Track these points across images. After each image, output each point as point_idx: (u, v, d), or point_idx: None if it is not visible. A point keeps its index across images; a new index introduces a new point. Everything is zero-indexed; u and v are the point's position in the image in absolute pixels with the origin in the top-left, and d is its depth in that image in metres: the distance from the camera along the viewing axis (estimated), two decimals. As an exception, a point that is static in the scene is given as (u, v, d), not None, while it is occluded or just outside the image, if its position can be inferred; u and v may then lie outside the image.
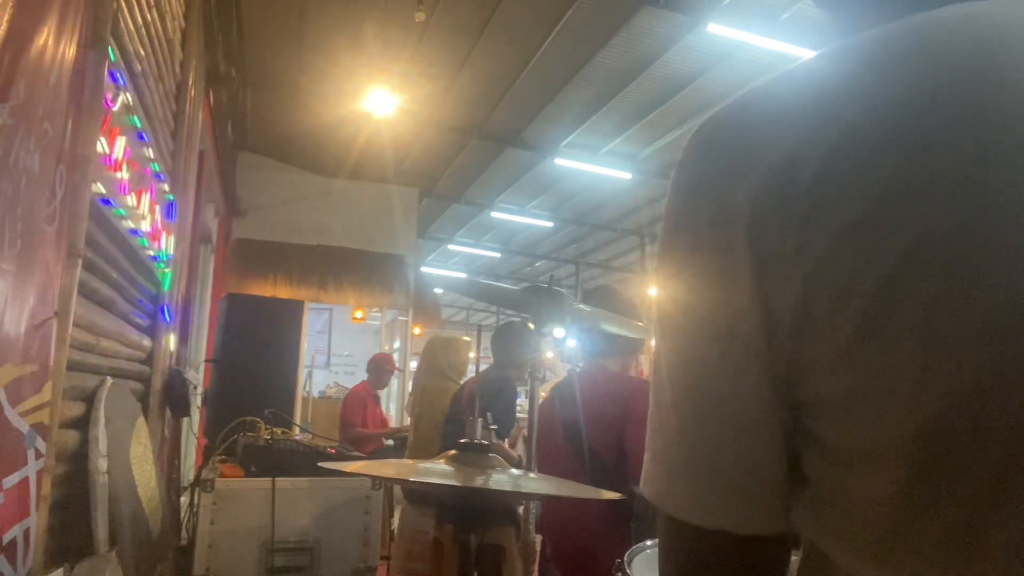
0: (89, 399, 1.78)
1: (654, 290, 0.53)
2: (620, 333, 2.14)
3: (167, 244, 2.71)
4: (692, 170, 0.51)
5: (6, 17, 1.07)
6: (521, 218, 10.02)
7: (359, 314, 8.94)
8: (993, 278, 0.38)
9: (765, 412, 0.46)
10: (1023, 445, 0.38)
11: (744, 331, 0.45)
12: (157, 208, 2.42)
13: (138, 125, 2.06)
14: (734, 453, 0.47)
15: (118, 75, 1.77)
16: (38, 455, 1.30)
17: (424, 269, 11.76)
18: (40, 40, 1.21)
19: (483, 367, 2.82)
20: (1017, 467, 0.38)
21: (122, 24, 1.89)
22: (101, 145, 1.69)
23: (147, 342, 2.62)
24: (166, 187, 2.58)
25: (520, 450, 2.93)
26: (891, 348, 0.40)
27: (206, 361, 4.59)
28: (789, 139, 0.44)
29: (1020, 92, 0.41)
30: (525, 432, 2.05)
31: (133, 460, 1.97)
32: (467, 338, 3.45)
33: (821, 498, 0.45)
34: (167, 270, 2.79)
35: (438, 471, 1.43)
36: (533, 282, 2.03)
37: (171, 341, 2.96)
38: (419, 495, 2.78)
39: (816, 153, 0.43)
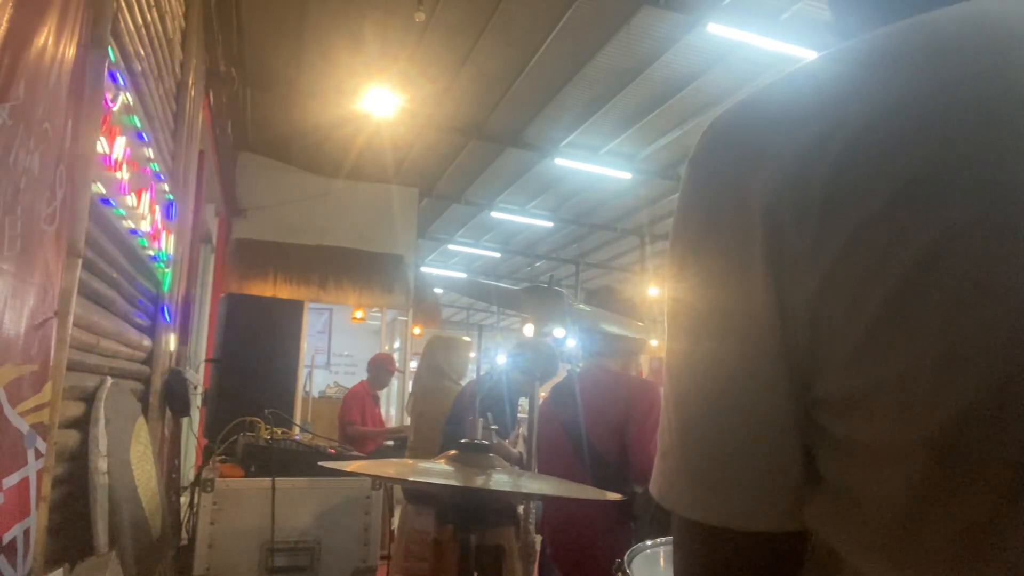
0: (89, 399, 1.78)
1: (661, 288, 0.52)
2: (621, 333, 2.14)
3: (167, 244, 2.71)
4: (706, 166, 0.50)
5: (6, 17, 1.07)
6: (521, 218, 10.02)
7: (359, 314, 8.94)
8: (1018, 275, 0.38)
9: (781, 408, 0.45)
10: None
11: (759, 327, 0.45)
12: (157, 208, 2.42)
13: (138, 125, 2.06)
14: (748, 450, 0.46)
15: (118, 75, 1.77)
16: (38, 455, 1.30)
17: (424, 269, 11.76)
18: (40, 40, 1.21)
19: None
20: None
21: (122, 24, 1.89)
22: (101, 145, 1.69)
23: (147, 342, 2.62)
24: (166, 187, 2.58)
25: (521, 448, 2.93)
26: (912, 346, 0.39)
27: (206, 361, 4.59)
28: (805, 135, 0.44)
29: None
30: (525, 432, 2.05)
31: (133, 460, 1.97)
32: (467, 338, 3.45)
33: (835, 495, 0.45)
34: (167, 270, 2.79)
35: (438, 471, 1.43)
36: (533, 282, 2.03)
37: (171, 341, 2.96)
38: (419, 495, 2.78)
39: (832, 149, 0.42)
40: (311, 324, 8.49)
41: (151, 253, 2.47)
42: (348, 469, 1.58)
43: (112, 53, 1.72)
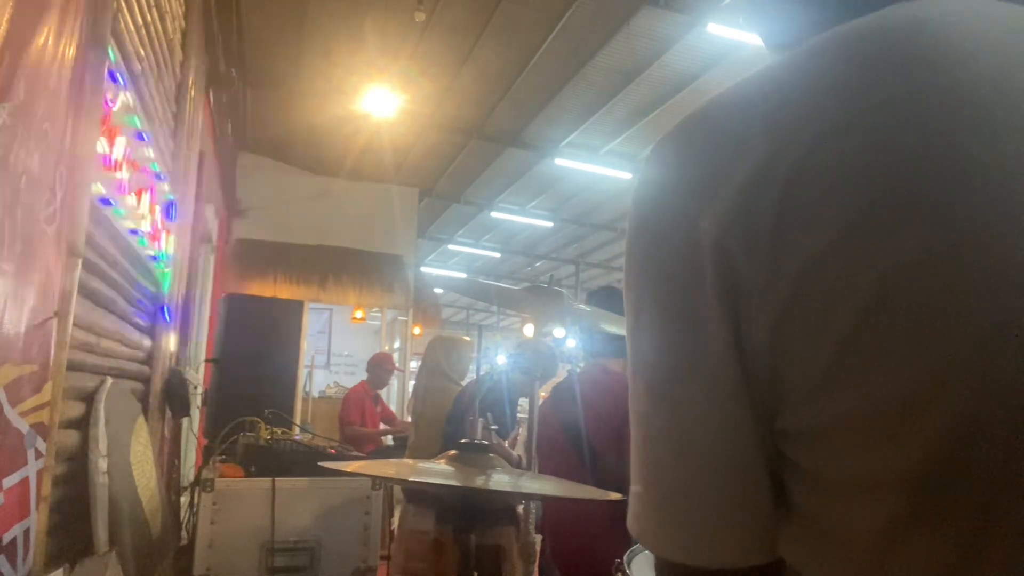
0: (89, 399, 1.78)
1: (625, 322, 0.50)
2: (621, 333, 2.13)
3: (167, 244, 2.71)
4: (655, 197, 0.48)
5: (6, 17, 1.07)
6: (521, 218, 10.02)
7: (359, 314, 8.94)
8: (975, 305, 0.37)
9: (748, 445, 0.44)
10: (1016, 477, 0.36)
11: (718, 367, 0.44)
12: (157, 208, 2.42)
13: (138, 125, 2.06)
14: (720, 489, 0.45)
15: (118, 75, 1.77)
16: (38, 455, 1.30)
17: (424, 269, 11.75)
18: (40, 40, 1.21)
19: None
20: (1010, 500, 0.37)
21: (122, 24, 1.89)
22: (101, 145, 1.69)
23: (147, 342, 2.62)
24: (166, 187, 2.58)
25: (520, 452, 2.93)
26: (873, 383, 0.38)
27: (206, 361, 4.59)
28: (749, 163, 0.42)
29: (984, 106, 0.39)
30: (524, 434, 2.05)
31: (133, 460, 1.97)
32: (468, 338, 3.44)
33: (806, 525, 0.44)
34: (167, 270, 2.79)
35: (438, 471, 1.43)
36: (533, 282, 2.03)
37: (171, 341, 2.96)
38: (419, 495, 2.78)
39: (778, 175, 0.41)
40: (311, 324, 8.49)
41: (151, 253, 2.47)
42: (348, 469, 1.59)
43: (112, 53, 1.72)
